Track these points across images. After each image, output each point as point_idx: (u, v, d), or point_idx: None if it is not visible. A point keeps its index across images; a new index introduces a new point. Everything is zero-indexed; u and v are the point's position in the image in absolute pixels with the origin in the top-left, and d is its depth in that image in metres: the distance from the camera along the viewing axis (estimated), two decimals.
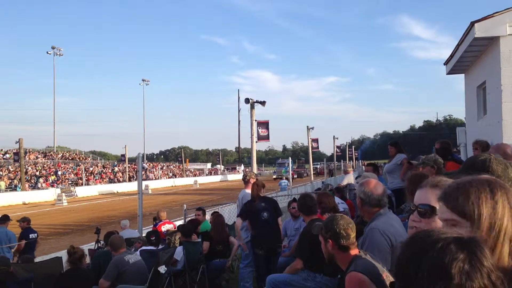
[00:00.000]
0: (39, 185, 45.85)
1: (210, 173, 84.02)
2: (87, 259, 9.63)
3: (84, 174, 53.07)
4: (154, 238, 8.55)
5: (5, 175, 46.59)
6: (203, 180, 70.50)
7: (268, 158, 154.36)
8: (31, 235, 11.04)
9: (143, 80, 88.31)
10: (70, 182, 50.39)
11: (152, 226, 11.73)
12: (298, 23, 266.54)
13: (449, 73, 13.02)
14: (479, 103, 11.40)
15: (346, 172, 12.37)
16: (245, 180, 7.78)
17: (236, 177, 75.20)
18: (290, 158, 30.37)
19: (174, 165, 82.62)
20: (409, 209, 1.98)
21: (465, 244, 1.12)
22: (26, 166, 48.04)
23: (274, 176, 64.52)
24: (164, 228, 10.35)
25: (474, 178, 1.45)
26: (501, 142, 4.26)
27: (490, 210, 1.34)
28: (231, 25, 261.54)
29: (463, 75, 13.02)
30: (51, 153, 65.97)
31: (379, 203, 3.44)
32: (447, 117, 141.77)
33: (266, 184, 7.77)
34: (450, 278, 1.07)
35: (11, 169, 48.72)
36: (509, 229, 1.33)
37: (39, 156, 60.48)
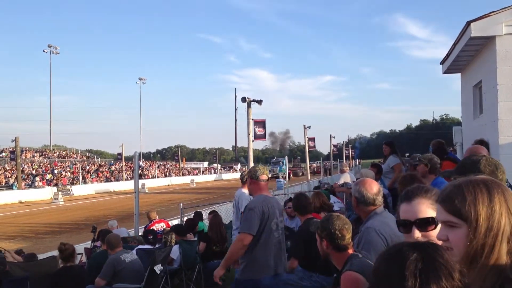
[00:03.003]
0: (36, 184, 45.74)
1: (203, 172, 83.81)
2: (83, 258, 9.64)
3: (80, 173, 52.97)
4: (151, 237, 8.54)
5: (1, 173, 46.47)
6: (200, 179, 70.41)
7: (264, 157, 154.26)
8: None
9: (139, 79, 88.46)
10: (67, 181, 50.28)
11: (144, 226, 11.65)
12: (294, 22, 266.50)
13: (445, 72, 13.05)
14: (475, 102, 11.43)
15: (342, 171, 12.37)
16: (243, 180, 7.77)
17: (232, 176, 75.14)
18: (286, 157, 30.34)
19: (171, 164, 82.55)
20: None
21: (417, 245, 1.13)
22: (23, 165, 47.92)
23: (269, 175, 64.12)
24: (154, 228, 10.32)
25: (470, 179, 1.45)
26: (475, 145, 4.28)
27: (488, 211, 1.34)
28: (227, 24, 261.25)
29: (459, 74, 13.06)
30: (48, 151, 65.83)
31: (374, 202, 3.44)
32: (444, 116, 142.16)
33: None
34: (404, 279, 1.07)
35: (7, 168, 48.63)
36: (507, 229, 1.33)
37: (35, 154, 60.37)
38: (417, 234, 1.90)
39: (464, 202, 1.37)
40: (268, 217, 4.43)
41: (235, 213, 7.64)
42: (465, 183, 1.42)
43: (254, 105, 16.70)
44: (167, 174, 72.05)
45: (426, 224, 1.93)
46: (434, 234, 1.84)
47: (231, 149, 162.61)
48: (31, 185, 45.27)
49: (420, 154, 5.82)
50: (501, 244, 1.32)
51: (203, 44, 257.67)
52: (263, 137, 18.90)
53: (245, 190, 7.60)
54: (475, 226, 1.34)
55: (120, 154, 59.94)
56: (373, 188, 3.48)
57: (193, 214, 10.96)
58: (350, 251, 3.13)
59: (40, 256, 9.28)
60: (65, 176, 51.99)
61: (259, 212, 4.36)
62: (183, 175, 74.20)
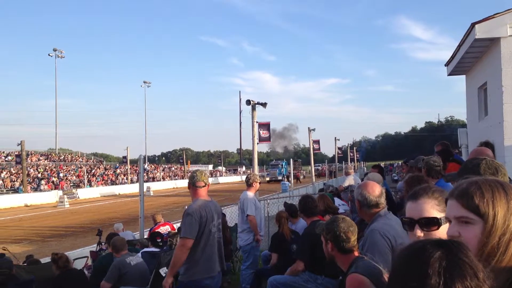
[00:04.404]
0: (41, 187, 45.89)
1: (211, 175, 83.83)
2: (89, 261, 9.66)
3: (86, 176, 53.11)
4: (160, 239, 8.53)
5: (7, 177, 46.67)
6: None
7: (269, 160, 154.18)
8: None
9: (144, 82, 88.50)
10: (72, 184, 50.42)
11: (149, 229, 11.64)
12: (297, 25, 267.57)
13: (450, 74, 13.03)
14: (480, 104, 11.40)
15: (347, 174, 12.36)
16: (248, 183, 7.79)
17: (231, 179, 74.92)
18: (291, 159, 30.25)
19: (176, 167, 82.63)
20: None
21: (441, 243, 1.11)
22: (28, 168, 48.11)
23: (268, 179, 62.87)
24: (160, 231, 10.30)
25: (486, 178, 1.45)
26: (481, 147, 4.28)
27: (505, 210, 1.34)
28: (231, 26, 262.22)
29: (464, 76, 13.03)
30: (53, 155, 66.06)
31: (377, 204, 3.44)
32: (449, 118, 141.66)
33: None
34: (428, 277, 1.05)
35: (13, 171, 48.80)
36: None
37: (41, 158, 60.58)
38: (419, 233, 1.91)
39: (483, 199, 1.36)
40: (206, 220, 4.71)
41: (240, 215, 7.65)
42: (482, 181, 1.42)
43: (259, 108, 16.73)
44: (172, 177, 72.07)
45: (429, 224, 1.92)
46: (436, 234, 1.86)
47: (236, 151, 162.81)
48: (36, 189, 45.42)
49: (425, 156, 5.80)
50: None
51: (207, 47, 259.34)
52: (267, 139, 18.93)
53: (250, 193, 7.61)
54: (492, 224, 1.33)
55: (125, 157, 60.04)
56: (375, 191, 3.48)
57: None
58: (356, 253, 3.13)
59: (46, 260, 9.31)
60: (66, 179, 52.16)
61: (197, 217, 4.64)
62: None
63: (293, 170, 63.23)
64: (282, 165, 65.39)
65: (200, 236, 4.65)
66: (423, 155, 6.42)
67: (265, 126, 18.84)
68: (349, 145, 67.85)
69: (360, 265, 2.90)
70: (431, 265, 1.06)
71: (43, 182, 47.33)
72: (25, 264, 8.57)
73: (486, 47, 10.05)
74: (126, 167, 60.32)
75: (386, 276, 2.79)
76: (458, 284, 1.04)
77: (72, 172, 56.19)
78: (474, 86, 11.82)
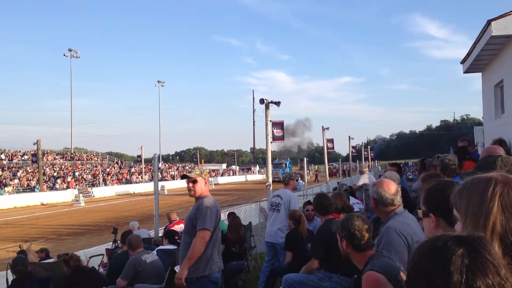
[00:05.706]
0: (57, 186, 46.39)
1: (222, 174, 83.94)
2: (105, 259, 9.75)
3: (101, 175, 53.54)
4: (177, 237, 8.58)
5: (24, 176, 47.26)
6: (218, 180, 70.54)
7: (282, 159, 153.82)
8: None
9: (158, 82, 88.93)
10: (87, 183, 50.89)
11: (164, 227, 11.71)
12: (311, 24, 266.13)
13: (466, 72, 12.88)
14: (496, 102, 11.27)
15: (361, 173, 12.32)
16: (286, 182, 7.97)
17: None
18: (305, 158, 30.12)
19: (190, 166, 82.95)
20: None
21: (463, 240, 1.10)
22: (44, 167, 48.63)
23: None
24: (175, 229, 10.35)
25: (477, 176, 1.47)
26: (492, 145, 4.25)
27: (476, 207, 1.35)
28: (244, 26, 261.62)
29: (480, 74, 12.88)
30: (69, 154, 66.72)
31: (392, 202, 3.43)
32: (465, 117, 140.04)
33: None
34: (450, 275, 1.04)
35: (29, 170, 49.40)
36: (498, 227, 1.31)
37: (56, 157, 61.20)
38: None
39: (460, 197, 1.43)
40: (219, 217, 4.83)
41: (283, 212, 7.63)
42: (470, 180, 1.46)
43: (272, 107, 16.70)
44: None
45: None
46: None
47: (249, 150, 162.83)
48: (52, 187, 45.94)
49: (441, 154, 5.76)
50: (492, 244, 1.29)
51: (221, 47, 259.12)
52: (281, 138, 18.89)
53: (290, 191, 7.79)
54: (464, 220, 1.38)
55: (139, 156, 60.39)
56: (391, 189, 3.47)
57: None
58: (371, 251, 3.12)
59: None
60: (81, 178, 52.63)
61: (215, 211, 4.71)
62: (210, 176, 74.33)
63: (299, 169, 62.25)
64: (286, 164, 63.99)
65: (213, 231, 4.69)
66: (439, 154, 6.38)
67: (279, 125, 18.77)
68: (363, 144, 67.24)
69: (376, 262, 2.90)
70: (454, 262, 1.05)
71: (59, 181, 47.86)
72: (55, 260, 8.65)
73: (503, 44, 9.93)
74: (141, 166, 60.72)
75: (402, 274, 2.79)
76: (479, 282, 1.03)
77: (87, 171, 56.71)
78: (490, 83, 11.68)
